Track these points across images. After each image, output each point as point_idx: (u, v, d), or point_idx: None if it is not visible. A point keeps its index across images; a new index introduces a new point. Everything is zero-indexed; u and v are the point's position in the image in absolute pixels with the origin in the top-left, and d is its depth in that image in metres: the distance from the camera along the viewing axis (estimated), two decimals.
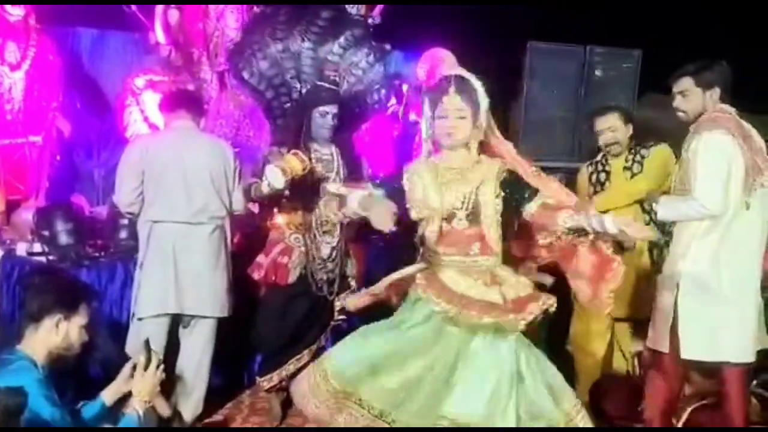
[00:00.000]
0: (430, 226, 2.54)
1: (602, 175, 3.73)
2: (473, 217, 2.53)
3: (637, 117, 3.94)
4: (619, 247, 3.53)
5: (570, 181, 4.57)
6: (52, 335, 2.38)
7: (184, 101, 3.41)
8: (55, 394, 2.29)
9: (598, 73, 5.41)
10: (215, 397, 3.46)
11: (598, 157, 3.77)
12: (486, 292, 2.46)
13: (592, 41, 5.38)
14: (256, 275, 3.47)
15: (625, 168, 3.66)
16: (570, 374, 3.80)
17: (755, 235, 2.97)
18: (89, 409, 2.56)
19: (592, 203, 3.30)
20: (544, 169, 5.86)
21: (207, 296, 3.27)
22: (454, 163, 2.59)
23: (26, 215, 3.69)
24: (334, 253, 3.51)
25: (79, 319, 2.44)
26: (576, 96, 5.40)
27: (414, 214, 2.55)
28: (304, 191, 3.42)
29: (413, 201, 2.56)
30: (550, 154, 5.47)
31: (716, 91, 2.97)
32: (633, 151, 3.67)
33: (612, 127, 3.65)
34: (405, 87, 5.53)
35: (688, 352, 2.94)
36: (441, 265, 2.53)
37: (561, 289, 4.41)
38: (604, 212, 3.50)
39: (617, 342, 3.72)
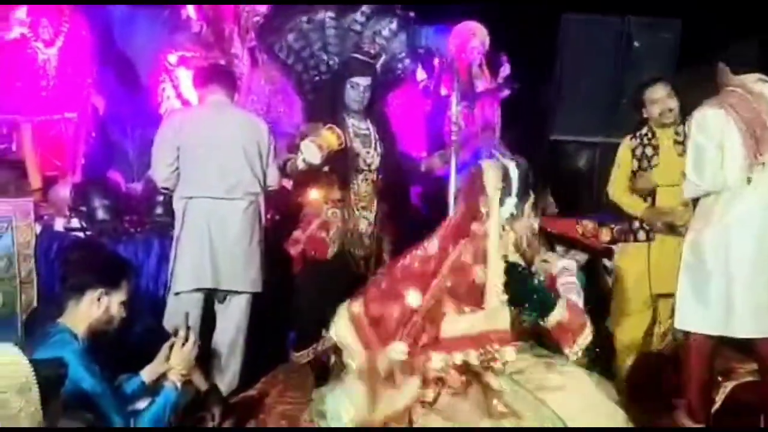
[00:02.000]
0: None
1: (649, 150, 3.60)
2: None
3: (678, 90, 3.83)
4: (671, 229, 3.47)
5: (608, 156, 4.48)
6: (93, 309, 2.40)
7: (217, 76, 3.40)
8: (95, 366, 2.32)
9: (636, 44, 5.25)
10: (250, 371, 3.48)
11: (643, 131, 3.64)
12: None
13: (630, 11, 5.23)
14: (293, 251, 3.47)
15: (676, 142, 3.54)
16: (609, 351, 3.76)
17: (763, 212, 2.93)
18: (129, 384, 2.60)
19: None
20: (581, 143, 5.77)
21: (241, 272, 3.28)
22: None
23: (63, 191, 3.73)
24: (371, 229, 3.50)
25: (120, 295, 2.46)
26: (613, 69, 5.27)
27: None
28: (340, 167, 3.40)
29: None
30: (587, 129, 5.37)
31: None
32: (682, 125, 3.55)
33: (667, 95, 3.53)
34: (436, 61, 5.44)
35: (682, 323, 3.09)
36: None
37: (596, 266, 4.38)
38: (651, 194, 3.49)
39: (659, 318, 3.65)
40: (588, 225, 4.34)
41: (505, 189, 2.52)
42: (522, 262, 2.52)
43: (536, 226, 2.63)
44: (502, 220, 2.49)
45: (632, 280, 3.58)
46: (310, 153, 3.14)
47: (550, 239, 4.25)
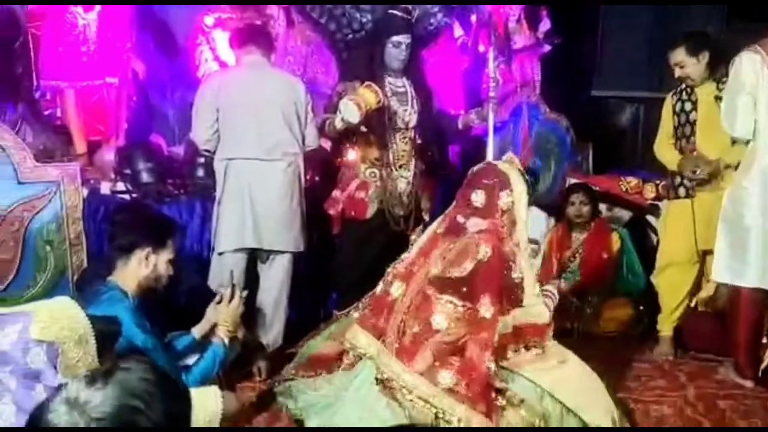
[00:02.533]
0: None
1: (687, 105, 3.52)
2: None
3: (726, 44, 3.68)
4: (707, 181, 3.39)
5: (652, 112, 4.36)
6: (142, 268, 2.46)
7: (254, 36, 3.38)
8: (146, 323, 2.39)
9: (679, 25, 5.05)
10: (294, 330, 3.54)
11: (683, 86, 3.55)
12: None
13: None
14: (332, 211, 3.49)
15: (716, 98, 3.42)
16: (654, 309, 3.73)
17: None
18: (180, 341, 2.67)
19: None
20: (623, 99, 5.66)
21: (283, 232, 3.31)
22: None
23: (108, 155, 3.80)
24: (409, 187, 3.49)
25: (167, 254, 2.51)
26: (657, 22, 5.09)
27: None
28: (378, 125, 3.38)
29: None
30: (629, 85, 5.23)
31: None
32: (723, 79, 3.42)
33: (680, 63, 3.43)
34: (473, 18, 5.33)
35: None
36: None
37: (641, 225, 4.31)
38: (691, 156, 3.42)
39: (705, 276, 3.58)
40: (632, 181, 4.26)
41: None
42: None
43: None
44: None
45: (678, 236, 3.52)
46: (349, 112, 3.12)
47: (594, 197, 4.18)
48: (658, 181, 4.11)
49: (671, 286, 3.59)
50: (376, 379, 2.56)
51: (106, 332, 1.66)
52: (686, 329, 3.59)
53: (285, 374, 2.96)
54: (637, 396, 3.09)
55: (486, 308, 2.47)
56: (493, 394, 2.41)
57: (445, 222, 2.76)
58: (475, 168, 2.81)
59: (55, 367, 1.44)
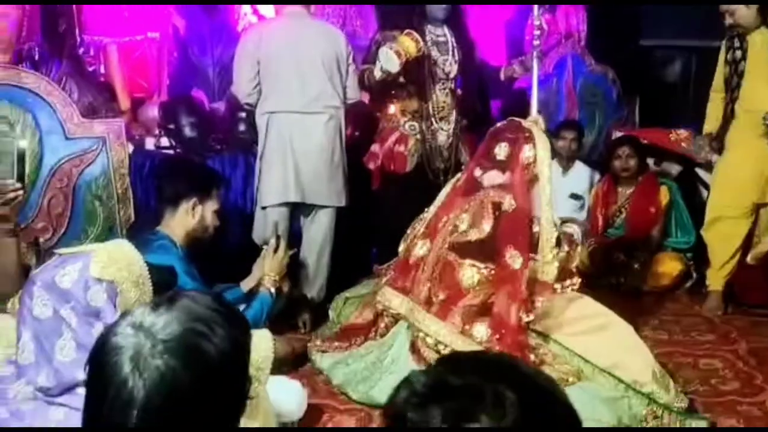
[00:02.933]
0: None
1: (738, 53, 3.36)
2: None
3: None
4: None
5: (704, 63, 4.18)
6: (189, 218, 2.49)
7: None
8: (195, 271, 2.43)
9: None
10: (336, 284, 3.56)
11: (734, 33, 3.38)
12: None
13: None
14: (372, 164, 3.46)
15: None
16: (704, 263, 3.64)
17: None
18: (229, 294, 2.71)
19: None
20: (674, 49, 5.42)
21: (326, 186, 3.30)
22: None
23: (152, 111, 3.82)
24: (449, 140, 3.44)
25: (212, 204, 2.54)
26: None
27: None
28: (418, 76, 3.32)
29: None
30: (681, 33, 5.01)
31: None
32: None
33: (729, 10, 3.26)
34: None
35: None
36: None
37: (692, 179, 4.18)
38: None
39: (758, 230, 3.47)
40: (682, 134, 4.12)
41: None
42: None
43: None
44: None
45: (729, 188, 3.41)
46: (389, 61, 3.06)
47: (642, 151, 4.07)
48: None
49: (721, 241, 3.49)
50: (412, 344, 2.57)
51: (161, 280, 1.69)
52: (737, 283, 3.50)
53: (320, 344, 2.95)
54: (687, 350, 3.04)
55: (513, 259, 2.46)
56: (526, 351, 2.40)
57: (464, 174, 2.74)
58: (499, 124, 2.80)
59: (115, 306, 1.46)
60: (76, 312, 1.42)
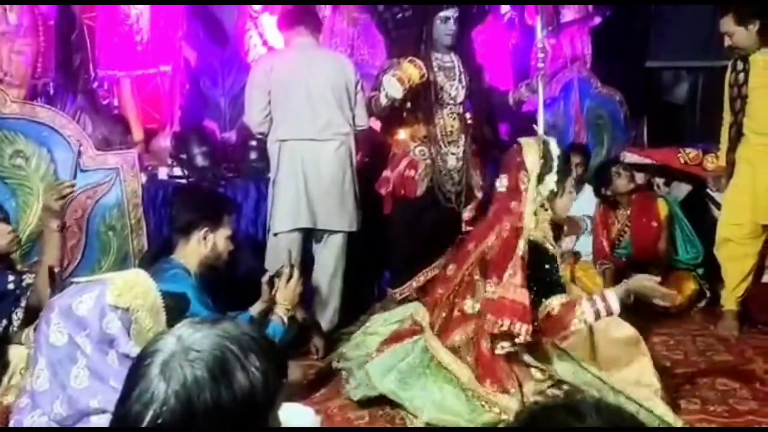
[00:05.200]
0: None
1: (741, 75, 3.36)
2: None
3: None
4: None
5: (710, 83, 4.19)
6: (201, 246, 2.51)
7: (303, 17, 3.40)
8: (208, 300, 2.44)
9: None
10: (349, 309, 3.57)
11: (737, 55, 3.40)
12: None
13: None
14: (384, 190, 3.49)
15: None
16: (717, 282, 3.61)
17: None
18: (240, 319, 2.72)
19: None
20: (680, 69, 5.45)
21: (337, 211, 3.33)
22: None
23: (164, 142, 3.89)
24: (459, 164, 3.47)
25: (224, 231, 2.56)
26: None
27: None
28: (426, 102, 3.36)
29: None
30: (687, 54, 5.04)
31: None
32: None
33: (728, 32, 3.27)
34: None
35: None
36: None
37: (700, 197, 4.17)
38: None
39: None
40: (690, 153, 4.12)
41: (546, 165, 2.47)
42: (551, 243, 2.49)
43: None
44: (542, 197, 2.46)
45: (738, 208, 3.40)
46: (392, 87, 3.12)
47: (629, 170, 4.05)
48: (717, 153, 3.97)
49: (733, 261, 3.47)
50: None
51: (175, 307, 1.71)
52: (753, 303, 3.47)
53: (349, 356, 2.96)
54: (704, 370, 3.01)
55: (490, 288, 2.44)
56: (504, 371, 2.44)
57: (495, 204, 2.72)
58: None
59: (129, 335, 1.48)
60: (91, 339, 1.44)
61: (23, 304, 2.13)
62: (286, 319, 2.67)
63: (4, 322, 2.12)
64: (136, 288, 1.49)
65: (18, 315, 2.12)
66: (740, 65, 3.36)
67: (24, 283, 2.17)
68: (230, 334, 0.97)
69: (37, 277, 2.18)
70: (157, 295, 1.55)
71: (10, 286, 2.15)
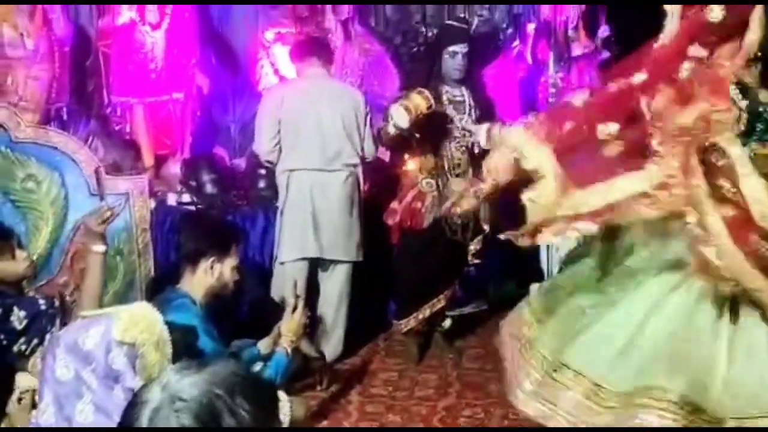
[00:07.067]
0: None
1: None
2: None
3: None
4: None
5: None
6: (208, 276, 2.51)
7: (315, 49, 3.45)
8: (214, 330, 2.43)
9: None
10: (354, 339, 3.56)
11: None
12: None
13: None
14: (391, 221, 3.50)
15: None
16: None
17: None
18: (246, 353, 2.71)
19: None
20: None
21: (343, 241, 3.35)
22: None
23: (174, 168, 3.92)
24: None
25: (231, 260, 2.56)
26: None
27: None
28: (434, 134, 3.38)
29: None
30: None
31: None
32: None
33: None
34: (530, 26, 5.28)
35: None
36: None
37: None
38: None
39: None
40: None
41: None
42: None
43: None
44: None
45: None
46: (399, 116, 3.15)
47: None
48: None
49: None
50: None
51: (181, 340, 1.71)
52: None
53: None
54: None
55: None
56: None
57: None
58: None
59: (134, 370, 1.48)
60: (96, 375, 1.44)
61: (58, 322, 2.16)
62: (290, 351, 2.66)
63: (35, 341, 2.13)
64: (142, 322, 1.49)
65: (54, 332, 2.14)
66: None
67: (56, 305, 2.20)
68: (217, 377, 0.95)
69: (82, 298, 2.25)
70: (163, 329, 1.56)
71: (42, 308, 2.18)
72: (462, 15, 3.61)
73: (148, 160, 4.00)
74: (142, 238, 3.28)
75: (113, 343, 1.46)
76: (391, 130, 3.26)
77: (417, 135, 3.36)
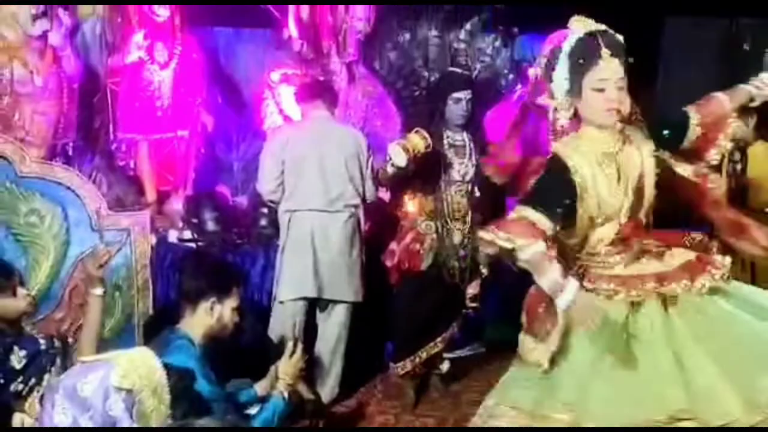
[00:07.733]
0: (605, 229, 2.15)
1: (738, 166, 3.44)
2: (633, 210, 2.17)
3: None
4: None
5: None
6: (208, 317, 2.52)
7: (321, 91, 3.51)
8: (211, 373, 2.43)
9: (745, 47, 4.98)
10: (350, 381, 3.53)
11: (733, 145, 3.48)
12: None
13: (739, 12, 4.95)
14: (389, 262, 3.51)
15: None
16: None
17: None
18: (243, 395, 2.70)
19: None
20: None
21: (343, 281, 3.36)
22: (607, 146, 2.12)
23: (176, 205, 3.95)
24: (465, 240, 3.49)
25: (232, 302, 2.57)
26: (721, 74, 5.01)
27: (585, 215, 2.10)
28: (434, 178, 3.42)
29: (586, 199, 2.09)
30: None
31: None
32: None
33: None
34: (532, 72, 5.36)
35: None
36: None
37: None
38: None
39: None
40: (697, 237, 4.11)
41: None
42: None
43: None
44: None
45: None
46: (397, 155, 3.20)
47: None
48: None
49: None
50: None
51: (179, 385, 1.71)
52: None
53: None
54: None
55: None
56: None
57: None
58: None
59: (131, 416, 1.48)
60: (94, 421, 1.44)
61: (58, 362, 2.17)
62: (287, 394, 2.65)
63: (33, 381, 2.13)
64: (141, 368, 1.50)
65: (54, 373, 2.14)
66: (736, 156, 3.43)
67: (56, 345, 2.21)
68: None
69: (81, 340, 2.27)
70: (161, 375, 1.56)
71: (42, 347, 2.19)
72: (464, 61, 3.68)
73: (150, 195, 4.03)
74: (141, 274, 3.29)
75: (111, 389, 1.46)
76: (390, 170, 3.30)
77: (416, 176, 3.38)
